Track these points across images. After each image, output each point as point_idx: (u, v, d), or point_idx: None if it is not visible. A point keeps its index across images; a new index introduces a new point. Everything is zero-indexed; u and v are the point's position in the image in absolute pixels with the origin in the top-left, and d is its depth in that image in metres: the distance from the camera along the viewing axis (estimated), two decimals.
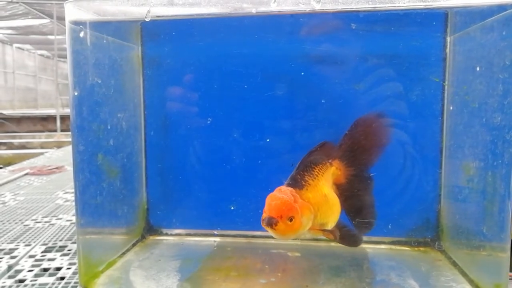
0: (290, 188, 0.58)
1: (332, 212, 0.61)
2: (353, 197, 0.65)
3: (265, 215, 0.55)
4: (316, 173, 0.61)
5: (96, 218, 0.68)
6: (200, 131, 0.77)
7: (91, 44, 0.63)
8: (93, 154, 0.66)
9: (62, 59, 9.30)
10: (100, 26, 0.65)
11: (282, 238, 0.58)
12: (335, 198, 0.63)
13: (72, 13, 0.61)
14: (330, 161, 0.64)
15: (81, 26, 0.61)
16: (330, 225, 0.61)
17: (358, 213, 0.64)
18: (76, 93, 0.61)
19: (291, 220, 0.54)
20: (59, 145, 4.31)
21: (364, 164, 0.65)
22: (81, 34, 0.62)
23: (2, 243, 0.90)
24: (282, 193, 0.56)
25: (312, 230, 0.59)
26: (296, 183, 0.59)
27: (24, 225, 1.03)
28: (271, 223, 0.54)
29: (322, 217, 0.59)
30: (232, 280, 0.63)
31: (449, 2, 0.57)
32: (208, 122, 0.75)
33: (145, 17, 0.60)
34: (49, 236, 0.94)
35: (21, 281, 0.71)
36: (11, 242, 0.90)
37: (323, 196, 0.61)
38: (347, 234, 0.62)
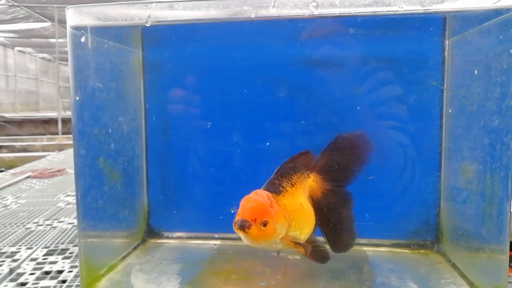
0: (267, 192, 0.55)
1: (307, 223, 0.59)
2: (327, 212, 0.63)
3: (237, 217, 0.52)
4: (294, 180, 0.59)
5: (97, 222, 0.68)
6: (201, 135, 0.77)
7: (92, 49, 0.64)
8: (94, 158, 0.66)
9: (63, 62, 9.33)
10: (101, 31, 0.65)
11: (253, 244, 0.53)
12: (311, 210, 0.61)
13: (73, 18, 0.61)
14: (307, 172, 0.63)
15: (82, 31, 0.62)
16: (304, 237, 0.59)
17: (332, 229, 0.63)
18: (77, 98, 0.62)
19: (265, 225, 0.51)
20: (60, 148, 4.32)
21: (341, 181, 0.64)
22: (82, 39, 0.62)
23: (4, 246, 0.90)
24: (258, 196, 0.54)
25: (284, 240, 0.56)
26: (274, 188, 0.57)
27: (26, 228, 1.04)
28: (244, 226, 0.50)
29: (297, 226, 0.57)
30: (232, 283, 0.63)
31: (447, 6, 0.58)
32: (208, 126, 0.76)
33: (146, 22, 0.60)
34: (51, 239, 0.95)
35: (23, 284, 0.72)
36: (13, 245, 0.91)
37: (299, 205, 0.58)
38: (316, 249, 0.60)
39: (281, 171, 0.60)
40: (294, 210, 0.57)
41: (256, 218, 0.51)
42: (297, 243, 0.58)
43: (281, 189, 0.57)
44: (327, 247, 0.62)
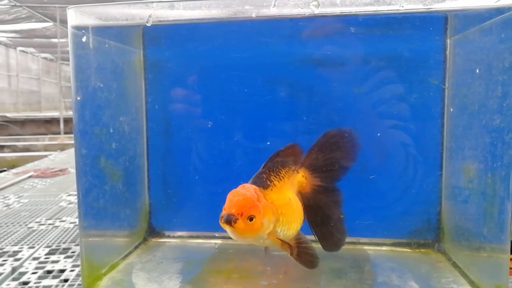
0: (254, 186, 0.55)
1: (295, 218, 0.58)
2: (316, 209, 0.63)
3: (224, 211, 0.51)
4: (282, 175, 0.59)
5: (98, 221, 0.68)
6: (202, 134, 0.78)
7: (93, 49, 0.64)
8: (95, 158, 0.67)
9: (65, 62, 9.35)
10: (102, 31, 0.65)
11: (239, 239, 0.53)
12: (299, 205, 0.60)
13: (74, 18, 0.61)
14: (297, 167, 0.63)
15: (83, 31, 0.62)
16: (292, 233, 0.58)
17: (322, 226, 0.62)
18: (79, 98, 0.62)
19: (251, 220, 0.51)
20: (62, 147, 4.33)
21: (330, 177, 0.63)
22: (84, 39, 0.62)
23: (6, 246, 0.91)
24: (245, 190, 0.53)
25: (271, 236, 0.55)
26: (261, 182, 0.56)
27: (28, 228, 1.04)
28: (230, 220, 0.50)
29: (285, 221, 0.56)
30: (233, 282, 0.63)
31: (448, 5, 0.57)
32: (209, 125, 0.76)
33: (146, 22, 0.60)
34: (53, 239, 0.95)
35: (25, 283, 0.72)
36: (15, 245, 0.91)
37: (287, 199, 0.57)
38: (304, 251, 0.59)
39: (269, 165, 0.59)
40: (282, 204, 0.56)
41: (242, 212, 0.51)
42: (283, 242, 0.57)
43: (268, 183, 0.56)
44: (317, 248, 0.61)
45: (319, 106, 0.73)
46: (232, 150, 0.76)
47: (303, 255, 0.59)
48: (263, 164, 0.59)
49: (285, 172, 0.59)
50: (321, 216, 0.63)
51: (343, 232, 0.63)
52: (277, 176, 0.58)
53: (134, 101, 0.77)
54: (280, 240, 0.57)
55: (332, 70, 0.72)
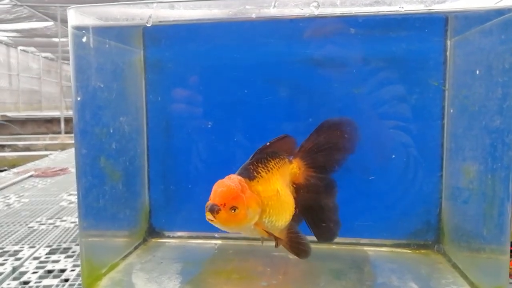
0: (239, 177, 0.55)
1: (284, 210, 0.58)
2: (310, 200, 0.62)
3: (209, 202, 0.53)
4: (271, 166, 0.59)
5: (98, 221, 0.68)
6: (202, 135, 0.78)
7: (93, 49, 0.64)
8: (95, 158, 0.67)
9: (66, 61, 9.36)
10: (102, 31, 0.65)
11: (224, 228, 0.54)
12: (289, 197, 0.60)
13: (74, 18, 0.61)
14: (290, 158, 0.62)
15: (83, 31, 0.62)
16: (281, 224, 0.58)
17: (316, 217, 0.62)
18: (79, 98, 0.62)
19: (234, 210, 0.52)
20: (63, 147, 4.34)
21: (325, 168, 0.63)
22: (84, 39, 0.63)
23: (7, 245, 0.91)
24: (230, 181, 0.54)
25: (258, 227, 0.56)
26: (247, 173, 0.56)
27: (29, 227, 1.04)
28: (213, 210, 0.51)
29: (272, 213, 0.56)
30: (233, 283, 0.63)
31: (448, 6, 0.57)
32: (209, 126, 0.76)
33: (147, 22, 0.60)
34: (54, 238, 0.95)
35: (26, 283, 0.72)
36: (16, 244, 0.91)
37: (275, 191, 0.58)
38: (294, 240, 0.59)
39: (257, 156, 0.59)
40: (268, 196, 0.56)
41: (225, 203, 0.52)
42: (269, 233, 0.57)
43: (255, 174, 0.57)
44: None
45: (319, 106, 0.73)
46: (232, 150, 0.76)
47: (295, 244, 0.59)
48: (252, 155, 0.59)
49: (274, 163, 0.59)
50: (314, 206, 0.63)
51: (337, 223, 0.63)
52: (265, 168, 0.58)
53: (134, 101, 0.78)
54: (267, 231, 0.57)
55: (332, 70, 0.72)
